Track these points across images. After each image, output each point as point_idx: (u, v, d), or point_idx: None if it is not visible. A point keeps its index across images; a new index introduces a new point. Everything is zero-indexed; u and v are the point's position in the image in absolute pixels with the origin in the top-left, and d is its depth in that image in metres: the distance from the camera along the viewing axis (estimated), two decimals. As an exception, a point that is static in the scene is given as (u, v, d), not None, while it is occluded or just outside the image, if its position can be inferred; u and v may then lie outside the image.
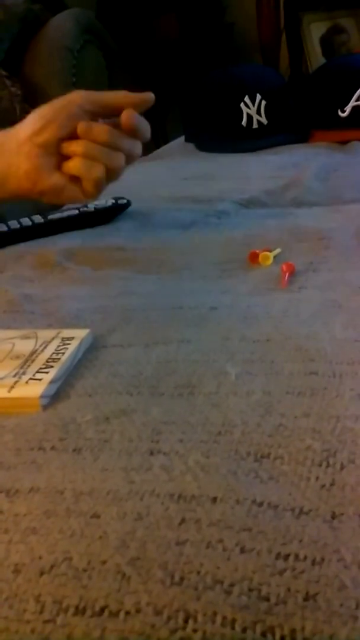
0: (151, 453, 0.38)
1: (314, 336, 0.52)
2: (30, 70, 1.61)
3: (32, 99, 1.58)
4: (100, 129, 0.67)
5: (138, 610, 0.28)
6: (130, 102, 0.68)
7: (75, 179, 0.68)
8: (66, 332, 0.53)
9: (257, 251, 0.70)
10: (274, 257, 0.70)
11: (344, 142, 1.23)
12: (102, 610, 0.29)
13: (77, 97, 0.68)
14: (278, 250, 0.71)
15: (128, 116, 0.67)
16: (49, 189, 0.69)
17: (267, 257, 0.70)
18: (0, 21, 1.58)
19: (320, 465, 0.36)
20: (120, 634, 0.28)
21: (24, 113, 1.55)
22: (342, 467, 0.36)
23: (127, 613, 0.28)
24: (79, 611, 0.29)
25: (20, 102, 1.53)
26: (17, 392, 0.45)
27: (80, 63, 1.66)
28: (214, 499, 0.34)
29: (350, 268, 0.66)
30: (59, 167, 0.68)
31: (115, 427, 0.41)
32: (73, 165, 0.67)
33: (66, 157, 0.68)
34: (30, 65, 1.62)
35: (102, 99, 0.69)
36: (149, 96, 0.68)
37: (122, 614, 0.28)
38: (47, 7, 1.71)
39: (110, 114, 0.69)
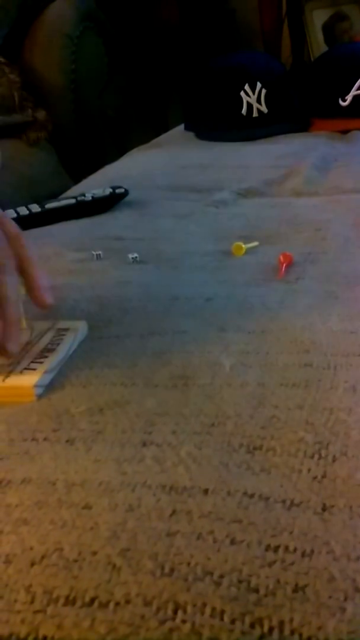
0: (144, 444, 0.38)
1: (309, 327, 0.52)
2: (29, 57, 1.60)
3: (31, 86, 1.57)
4: None
5: (128, 601, 0.29)
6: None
7: None
8: (61, 324, 0.53)
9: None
10: (249, 249, 0.70)
11: (344, 132, 1.22)
12: (92, 600, 0.29)
13: None
14: (255, 244, 0.71)
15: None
16: None
17: (240, 248, 0.69)
18: (-1, 7, 1.57)
19: (312, 457, 0.36)
20: (110, 624, 0.28)
21: (23, 100, 1.56)
22: (334, 459, 0.36)
23: (117, 604, 0.29)
24: (69, 601, 0.29)
25: (19, 89, 1.52)
26: (12, 382, 0.45)
27: (80, 50, 1.65)
28: (206, 491, 0.34)
29: (348, 259, 0.66)
30: None
31: (109, 418, 0.41)
32: None
33: None
34: (29, 52, 1.61)
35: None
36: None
37: (111, 605, 0.29)
38: (47, -7, 1.70)
39: None
